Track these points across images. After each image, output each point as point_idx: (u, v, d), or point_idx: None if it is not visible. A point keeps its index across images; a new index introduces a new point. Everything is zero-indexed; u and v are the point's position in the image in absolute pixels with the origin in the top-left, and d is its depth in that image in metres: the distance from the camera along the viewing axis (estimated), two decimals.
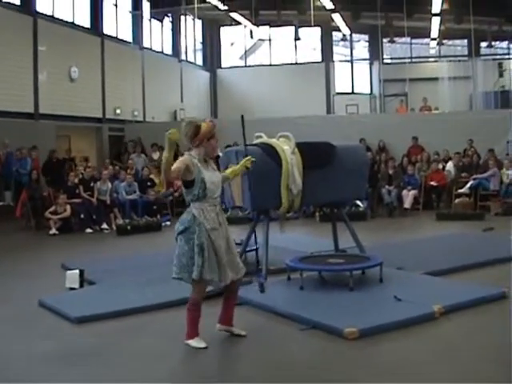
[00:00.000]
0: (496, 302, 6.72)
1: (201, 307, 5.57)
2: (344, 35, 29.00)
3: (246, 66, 30.83)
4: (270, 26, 29.41)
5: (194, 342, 5.51)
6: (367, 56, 30.72)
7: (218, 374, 5.12)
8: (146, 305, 6.96)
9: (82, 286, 8.03)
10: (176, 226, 5.53)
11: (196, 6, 24.09)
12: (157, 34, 26.10)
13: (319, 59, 29.95)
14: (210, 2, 23.22)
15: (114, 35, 23.04)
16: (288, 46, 29.96)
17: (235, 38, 30.85)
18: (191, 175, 5.40)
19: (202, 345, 5.49)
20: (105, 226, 14.29)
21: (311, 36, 29.84)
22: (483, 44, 29.15)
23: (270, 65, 30.27)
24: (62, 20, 20.09)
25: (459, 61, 29.26)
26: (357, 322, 5.84)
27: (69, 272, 8.23)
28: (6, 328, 6.45)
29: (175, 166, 5.31)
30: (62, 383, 4.82)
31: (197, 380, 4.94)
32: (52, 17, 19.65)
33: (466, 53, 29.60)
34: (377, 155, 18.19)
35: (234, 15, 25.38)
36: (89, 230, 14.02)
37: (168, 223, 14.69)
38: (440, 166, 16.98)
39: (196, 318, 5.55)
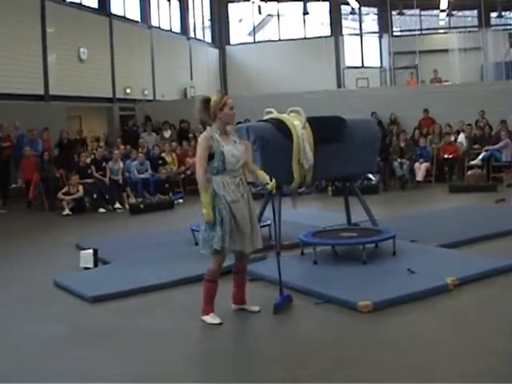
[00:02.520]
0: (508, 274, 6.70)
1: (217, 280, 5.59)
2: (353, 8, 29.00)
3: (254, 42, 30.73)
4: (278, 1, 29.39)
5: (209, 318, 5.55)
6: (376, 29, 30.49)
7: (231, 352, 5.13)
8: (161, 283, 6.97)
9: (96, 265, 8.04)
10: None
11: None
12: (165, 12, 26.00)
13: (328, 33, 29.76)
14: None
15: (122, 15, 22.98)
16: (297, 20, 29.80)
17: (243, 14, 30.68)
18: (212, 149, 5.45)
19: (217, 321, 5.52)
20: (118, 205, 14.33)
21: (320, 10, 29.60)
22: (493, 14, 28.93)
23: (279, 40, 30.18)
24: (69, 1, 20.03)
25: (469, 32, 28.99)
26: (370, 295, 5.84)
27: (83, 252, 8.24)
28: (21, 308, 6.48)
29: (198, 154, 5.46)
30: (72, 368, 4.82)
31: (210, 359, 4.96)
32: None
33: (476, 23, 29.36)
34: (388, 128, 18.08)
35: None
36: (102, 210, 14.05)
37: (181, 201, 14.80)
38: (452, 138, 16.89)
39: (212, 291, 5.58)
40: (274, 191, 5.84)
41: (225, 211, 5.40)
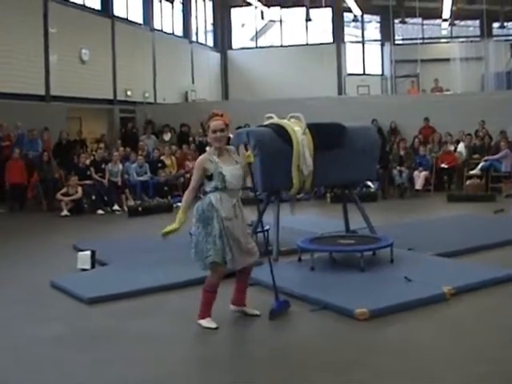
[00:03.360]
0: (507, 284, 6.70)
1: (217, 290, 5.61)
2: (355, 16, 28.89)
3: (256, 48, 30.64)
4: (281, 7, 29.31)
5: (205, 322, 5.56)
6: (378, 37, 30.51)
7: (227, 357, 5.13)
8: (158, 285, 6.97)
9: (93, 266, 8.04)
10: (193, 213, 5.57)
11: None
12: (167, 16, 25.97)
13: (330, 40, 29.69)
14: None
15: (125, 17, 22.90)
16: (299, 27, 29.72)
17: (246, 19, 30.59)
18: (209, 171, 5.48)
19: (213, 325, 5.53)
20: (116, 207, 14.31)
21: (322, 17, 29.58)
22: (495, 25, 28.91)
23: (281, 46, 30.09)
24: (72, 2, 19.96)
25: (471, 41, 28.96)
26: (367, 303, 5.84)
27: (80, 253, 8.23)
28: (18, 309, 6.45)
29: (193, 177, 5.57)
30: (69, 369, 4.82)
31: (205, 363, 4.96)
32: None
33: (478, 33, 29.32)
34: (388, 136, 18.05)
35: None
36: (100, 212, 14.01)
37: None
38: (451, 148, 16.89)
39: (211, 300, 5.60)
40: (251, 161, 5.74)
41: (220, 224, 5.43)
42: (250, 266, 5.80)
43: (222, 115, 5.52)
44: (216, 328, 5.50)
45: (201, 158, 5.57)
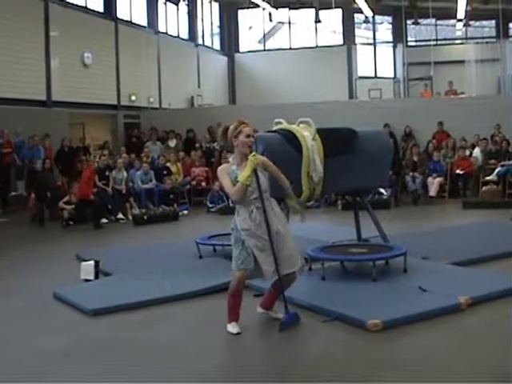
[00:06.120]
0: None
1: (241, 295, 5.73)
2: (366, 17, 28.75)
3: (264, 50, 30.55)
4: (290, 9, 29.18)
5: (229, 327, 5.71)
6: (390, 38, 30.43)
7: (236, 369, 5.04)
8: (163, 296, 6.95)
9: (97, 277, 8.01)
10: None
11: None
12: (172, 18, 25.92)
13: (341, 42, 29.66)
14: None
15: (129, 19, 22.83)
16: (308, 28, 29.62)
17: (253, 21, 30.59)
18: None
19: (235, 330, 5.65)
20: (120, 215, 14.19)
21: (332, 18, 29.42)
22: None
23: (290, 48, 30.01)
24: (74, 4, 19.84)
25: (487, 43, 28.82)
26: (380, 314, 5.79)
27: (84, 263, 8.22)
28: (20, 321, 6.44)
29: (223, 184, 5.79)
30: (74, 382, 4.78)
31: (209, 377, 4.84)
32: (64, 1, 19.31)
33: (493, 34, 29.20)
34: (402, 141, 18.03)
35: None
36: (104, 220, 13.80)
37: (185, 212, 14.85)
38: (467, 153, 16.76)
39: (233, 304, 5.73)
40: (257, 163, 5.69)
41: (240, 235, 5.66)
42: (288, 276, 5.81)
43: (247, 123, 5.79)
44: (238, 333, 5.61)
45: (222, 167, 5.82)
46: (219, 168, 5.83)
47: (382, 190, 14.76)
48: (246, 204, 5.65)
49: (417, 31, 30.23)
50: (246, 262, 5.60)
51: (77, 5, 19.89)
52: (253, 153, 5.72)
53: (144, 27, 23.64)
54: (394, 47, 29.83)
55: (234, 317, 5.73)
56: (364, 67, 29.65)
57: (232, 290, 5.72)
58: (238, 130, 5.67)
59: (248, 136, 5.67)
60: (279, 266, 5.67)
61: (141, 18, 23.72)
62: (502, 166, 15.57)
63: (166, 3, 25.25)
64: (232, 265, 5.73)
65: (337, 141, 8.41)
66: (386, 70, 29.89)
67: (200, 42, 27.51)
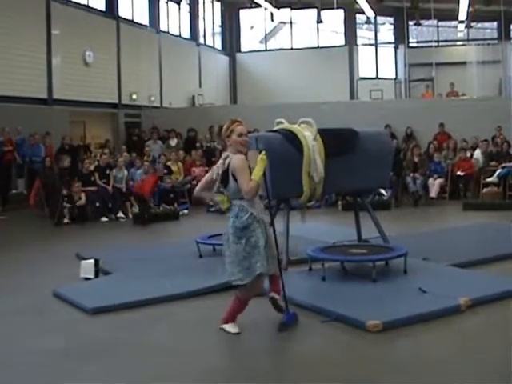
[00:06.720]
0: None
1: (248, 303, 5.67)
2: (368, 18, 28.70)
3: (266, 50, 30.52)
4: (291, 9, 29.07)
5: (228, 327, 5.65)
6: (392, 39, 30.35)
7: (236, 369, 5.03)
8: (163, 295, 6.91)
9: (97, 276, 7.99)
10: (230, 229, 5.47)
11: None
12: (174, 17, 25.87)
13: (342, 43, 29.61)
14: None
15: (130, 18, 22.80)
16: (310, 29, 29.56)
17: (255, 21, 30.55)
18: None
19: (235, 330, 5.61)
20: (121, 214, 14.14)
21: (334, 19, 29.36)
22: None
23: (291, 49, 29.97)
24: (76, 2, 19.80)
25: (488, 44, 28.78)
26: (380, 315, 5.78)
27: (84, 261, 8.20)
28: (20, 320, 6.40)
29: (245, 179, 5.38)
30: (74, 382, 4.74)
31: (209, 376, 4.84)
32: None
33: (495, 36, 29.15)
34: (403, 142, 18.04)
35: None
36: (104, 219, 13.85)
37: (186, 211, 14.78)
38: (468, 154, 16.74)
39: (240, 310, 5.68)
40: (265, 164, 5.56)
41: (266, 234, 5.49)
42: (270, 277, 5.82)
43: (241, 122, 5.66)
44: (238, 333, 5.57)
45: (242, 158, 5.46)
46: (241, 158, 5.43)
47: (383, 191, 14.72)
48: (259, 200, 5.61)
49: (418, 32, 30.15)
50: (270, 262, 5.48)
51: (79, 3, 19.87)
52: (263, 152, 5.59)
53: (145, 26, 23.62)
54: (396, 48, 29.76)
55: (233, 319, 5.69)
56: (365, 68, 29.65)
57: (248, 297, 5.60)
58: (231, 129, 5.56)
59: (240, 135, 5.54)
60: (272, 264, 5.61)
61: (142, 17, 23.70)
62: (503, 167, 15.52)
63: (167, 2, 25.23)
64: (252, 271, 5.39)
65: (338, 141, 8.40)
66: (388, 70, 29.86)
67: (201, 41, 27.48)
